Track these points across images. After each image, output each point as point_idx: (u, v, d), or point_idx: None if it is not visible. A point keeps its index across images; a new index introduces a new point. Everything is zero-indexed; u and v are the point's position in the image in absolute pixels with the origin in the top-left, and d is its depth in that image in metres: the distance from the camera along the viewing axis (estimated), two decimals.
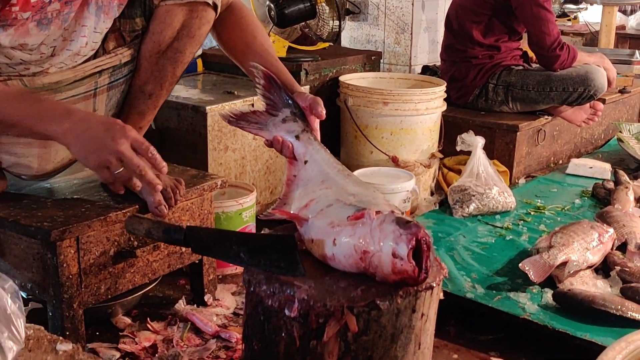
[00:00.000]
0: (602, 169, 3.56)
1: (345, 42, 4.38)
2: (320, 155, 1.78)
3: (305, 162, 1.77)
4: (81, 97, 1.86)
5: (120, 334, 2.08)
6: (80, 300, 1.85)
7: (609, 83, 3.60)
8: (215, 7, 1.92)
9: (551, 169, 3.78)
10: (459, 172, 3.28)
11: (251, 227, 2.56)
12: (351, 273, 1.50)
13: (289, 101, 1.83)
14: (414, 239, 1.37)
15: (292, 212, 1.69)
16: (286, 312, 1.45)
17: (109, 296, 1.94)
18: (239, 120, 1.85)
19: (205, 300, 2.25)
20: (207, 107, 2.68)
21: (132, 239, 1.94)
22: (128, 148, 1.61)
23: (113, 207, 1.90)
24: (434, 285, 1.48)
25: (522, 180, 3.52)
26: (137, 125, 1.99)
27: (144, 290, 2.16)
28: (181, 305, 2.20)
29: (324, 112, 1.80)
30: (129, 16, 1.86)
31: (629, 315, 2.02)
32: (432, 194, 3.35)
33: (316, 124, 1.83)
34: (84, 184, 2.05)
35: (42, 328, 1.46)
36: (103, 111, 1.93)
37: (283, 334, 1.48)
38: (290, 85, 1.89)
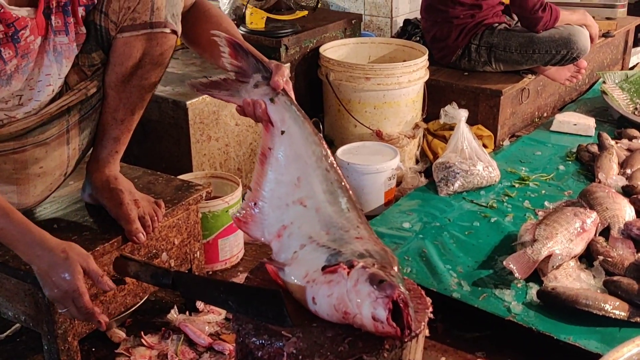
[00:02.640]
0: (586, 126, 3.57)
1: None
2: (298, 128, 1.66)
3: (282, 132, 1.67)
4: (55, 138, 1.84)
5: (115, 351, 2.12)
6: (74, 332, 1.88)
7: (592, 40, 3.56)
8: (174, 32, 1.85)
9: (536, 125, 3.78)
10: (443, 138, 3.28)
11: None
12: None
13: (259, 65, 1.72)
14: (390, 301, 1.39)
15: (264, 220, 1.67)
16: None
17: None
18: (207, 87, 1.76)
19: (197, 306, 2.28)
20: (188, 102, 2.65)
21: None
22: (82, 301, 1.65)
23: (99, 238, 1.91)
24: (419, 332, 1.51)
25: (506, 142, 3.52)
26: (114, 149, 1.98)
27: (136, 306, 2.19)
28: (173, 315, 2.24)
29: (281, 84, 1.67)
30: (85, 51, 1.81)
31: (612, 314, 2.07)
32: (417, 162, 3.36)
33: (289, 87, 1.70)
34: (67, 207, 2.07)
35: None
36: (77, 143, 1.91)
37: None
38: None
